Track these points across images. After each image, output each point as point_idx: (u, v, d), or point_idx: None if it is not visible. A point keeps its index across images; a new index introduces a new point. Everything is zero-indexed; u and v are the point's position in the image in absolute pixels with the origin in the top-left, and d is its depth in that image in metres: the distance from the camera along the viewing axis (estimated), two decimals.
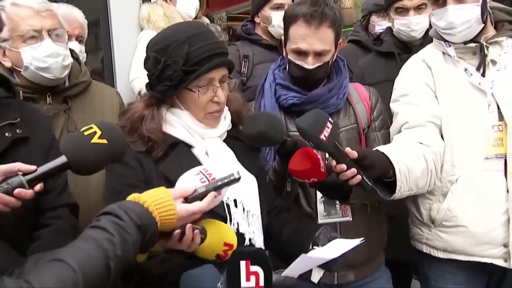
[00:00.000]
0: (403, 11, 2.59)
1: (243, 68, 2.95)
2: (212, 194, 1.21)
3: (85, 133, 1.19)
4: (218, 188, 1.23)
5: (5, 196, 1.16)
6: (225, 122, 1.56)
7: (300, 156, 1.51)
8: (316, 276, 1.47)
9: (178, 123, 1.48)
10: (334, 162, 1.47)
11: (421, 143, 1.74)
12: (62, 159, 1.17)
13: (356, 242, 1.41)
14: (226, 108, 1.57)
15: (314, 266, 1.43)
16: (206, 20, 3.33)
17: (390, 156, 1.58)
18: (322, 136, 1.38)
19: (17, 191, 1.16)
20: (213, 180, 1.24)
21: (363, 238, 1.35)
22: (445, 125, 1.81)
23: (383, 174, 1.60)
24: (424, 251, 1.90)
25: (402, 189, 1.62)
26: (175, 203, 1.14)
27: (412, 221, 1.96)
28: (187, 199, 1.20)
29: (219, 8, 7.17)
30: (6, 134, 1.47)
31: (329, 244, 1.44)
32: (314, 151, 1.53)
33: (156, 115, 1.46)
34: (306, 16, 1.75)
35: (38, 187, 1.19)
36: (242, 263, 1.19)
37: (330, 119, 1.43)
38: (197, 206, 1.18)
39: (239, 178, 1.23)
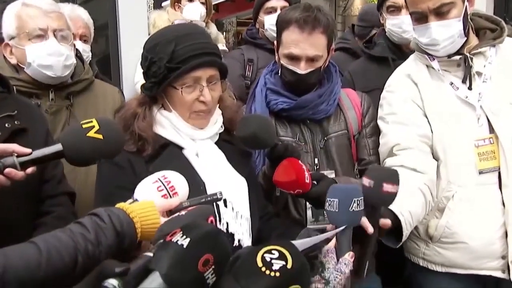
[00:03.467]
0: (395, 10, 2.48)
1: (247, 71, 2.97)
2: None
3: (84, 126, 1.22)
4: (200, 205, 1.26)
5: None
6: (215, 125, 1.57)
7: (285, 167, 1.51)
8: None
9: (168, 125, 1.50)
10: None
11: (415, 170, 1.71)
12: (57, 146, 1.21)
13: (336, 230, 1.31)
14: (219, 112, 1.59)
15: None
16: (213, 28, 3.37)
17: (394, 209, 1.51)
18: (386, 185, 1.29)
19: (7, 170, 1.19)
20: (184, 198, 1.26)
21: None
22: (437, 141, 1.79)
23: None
24: (421, 264, 1.88)
25: (406, 233, 1.58)
26: (160, 216, 1.17)
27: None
28: (171, 211, 1.23)
29: (229, 13, 7.26)
30: (6, 125, 1.52)
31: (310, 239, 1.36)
32: (299, 162, 1.53)
33: (148, 114, 1.49)
34: (299, 22, 1.76)
35: (29, 170, 1.23)
36: None
37: (398, 187, 1.31)
38: None
39: (221, 199, 1.28)
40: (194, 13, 3.17)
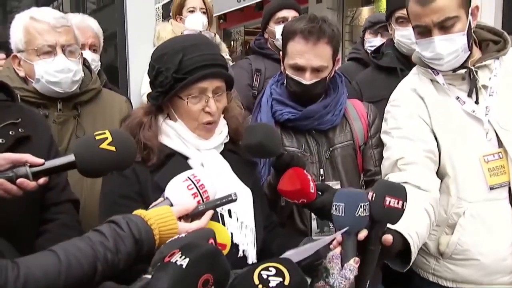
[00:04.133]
0: (405, 21, 2.44)
1: (255, 81, 2.98)
2: (210, 212, 1.26)
3: (97, 137, 1.23)
4: (216, 207, 1.28)
5: (8, 183, 1.21)
6: (221, 136, 1.57)
7: (290, 177, 1.50)
8: None
9: (174, 135, 1.51)
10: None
11: (419, 187, 1.67)
12: (70, 157, 1.22)
13: (339, 232, 1.30)
14: (224, 123, 1.59)
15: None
16: (217, 37, 3.39)
17: (402, 231, 1.46)
18: (388, 199, 1.26)
19: (19, 180, 1.20)
20: (208, 199, 1.28)
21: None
22: (446, 157, 1.75)
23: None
24: (431, 279, 1.84)
25: (415, 257, 1.53)
26: (177, 222, 1.18)
27: None
28: (188, 216, 1.24)
29: (236, 23, 7.31)
30: (10, 133, 1.53)
31: (310, 244, 1.37)
32: (304, 171, 1.52)
33: (153, 124, 1.50)
34: (304, 32, 1.77)
35: (41, 180, 1.24)
36: None
37: (405, 203, 1.28)
38: (196, 225, 1.23)
39: (236, 199, 1.28)
40: (196, 23, 3.20)
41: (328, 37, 1.78)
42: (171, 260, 0.92)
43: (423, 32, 1.72)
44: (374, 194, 1.27)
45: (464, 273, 1.75)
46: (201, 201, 1.27)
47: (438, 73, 1.78)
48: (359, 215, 1.25)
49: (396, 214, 1.28)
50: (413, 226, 1.49)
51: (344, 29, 7.67)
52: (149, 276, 0.96)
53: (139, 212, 1.16)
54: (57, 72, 1.90)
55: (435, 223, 1.71)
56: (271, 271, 0.94)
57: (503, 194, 1.72)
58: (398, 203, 1.25)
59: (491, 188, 1.71)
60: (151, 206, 1.26)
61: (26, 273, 0.94)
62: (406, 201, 1.27)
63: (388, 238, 1.31)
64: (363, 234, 1.28)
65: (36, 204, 1.58)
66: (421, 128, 1.78)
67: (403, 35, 2.47)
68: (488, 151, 1.72)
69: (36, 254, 1.02)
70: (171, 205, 1.25)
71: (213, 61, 1.48)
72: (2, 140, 1.50)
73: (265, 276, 0.93)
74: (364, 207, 1.25)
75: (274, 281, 0.92)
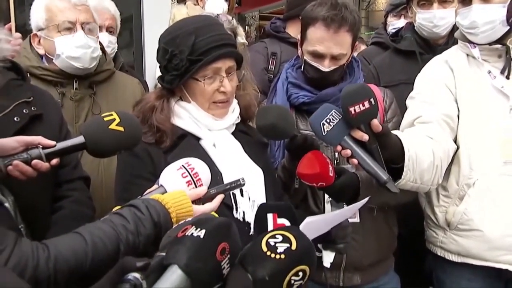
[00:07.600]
0: (426, 4, 2.40)
1: (270, 65, 2.96)
2: (221, 196, 1.30)
3: (105, 119, 1.27)
4: (226, 191, 1.31)
5: (23, 165, 1.25)
6: (233, 115, 1.59)
7: (309, 160, 1.51)
8: (327, 260, 1.48)
9: (186, 116, 1.53)
10: (348, 152, 1.43)
11: (432, 138, 1.71)
12: (80, 139, 1.26)
13: (360, 203, 1.35)
14: (235, 102, 1.61)
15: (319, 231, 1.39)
16: (233, 21, 3.37)
17: (403, 140, 1.54)
18: (351, 109, 1.33)
19: (34, 162, 1.25)
20: (200, 181, 1.30)
21: (368, 198, 1.31)
22: (464, 127, 1.78)
23: (391, 158, 1.53)
24: (439, 254, 1.88)
25: (408, 177, 1.57)
26: (192, 205, 1.21)
27: (427, 224, 1.95)
28: (200, 199, 1.27)
29: (251, 7, 7.24)
30: (24, 111, 1.56)
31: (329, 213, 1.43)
32: (323, 155, 1.53)
33: (165, 107, 1.52)
34: (326, 20, 1.74)
35: (54, 161, 1.29)
36: (270, 216, 1.28)
37: (372, 99, 1.35)
38: (209, 207, 1.27)
39: (244, 184, 1.31)
40: (216, 7, 3.20)
41: (349, 25, 1.76)
42: (186, 234, 0.93)
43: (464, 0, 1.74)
44: (341, 109, 1.37)
45: (468, 245, 1.77)
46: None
47: (475, 47, 1.79)
48: (327, 131, 1.39)
49: (369, 113, 1.35)
50: (414, 148, 1.56)
51: (360, 14, 7.52)
52: (163, 254, 0.96)
53: (156, 196, 1.20)
54: (77, 48, 1.95)
55: (441, 174, 1.72)
56: (278, 238, 0.97)
57: None
58: (363, 105, 1.32)
59: (505, 162, 1.72)
60: (145, 193, 1.28)
61: (56, 254, 0.99)
62: (372, 96, 1.34)
63: (374, 122, 1.39)
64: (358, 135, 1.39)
65: (51, 182, 1.62)
66: (444, 96, 1.81)
67: (425, 18, 2.42)
68: (509, 126, 1.73)
69: (62, 236, 1.06)
70: (165, 192, 1.27)
71: (225, 41, 1.50)
72: (17, 119, 1.53)
73: (272, 243, 0.96)
74: (327, 121, 1.37)
75: (281, 247, 0.96)
